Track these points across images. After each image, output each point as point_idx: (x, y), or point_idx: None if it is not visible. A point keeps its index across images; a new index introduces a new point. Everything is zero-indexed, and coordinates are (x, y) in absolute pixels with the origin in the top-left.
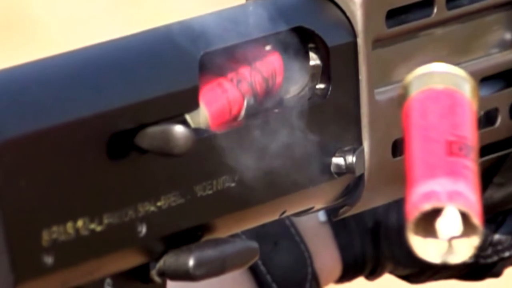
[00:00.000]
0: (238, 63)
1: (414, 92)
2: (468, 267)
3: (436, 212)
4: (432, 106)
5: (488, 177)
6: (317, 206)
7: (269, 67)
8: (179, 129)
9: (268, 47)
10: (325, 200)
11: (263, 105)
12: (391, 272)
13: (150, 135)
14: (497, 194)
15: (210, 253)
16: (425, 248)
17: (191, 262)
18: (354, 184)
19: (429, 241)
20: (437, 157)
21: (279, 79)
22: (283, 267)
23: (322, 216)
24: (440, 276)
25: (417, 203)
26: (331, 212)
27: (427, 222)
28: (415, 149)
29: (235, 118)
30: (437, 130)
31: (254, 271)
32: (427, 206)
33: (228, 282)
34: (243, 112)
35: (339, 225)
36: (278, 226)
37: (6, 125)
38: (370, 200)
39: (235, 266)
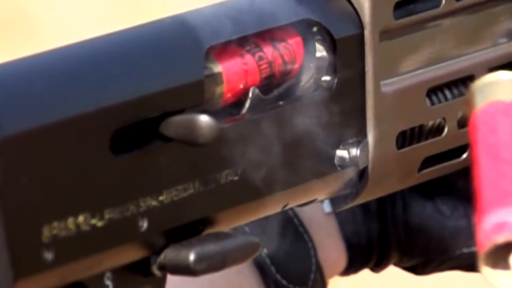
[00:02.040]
0: (263, 40)
1: (482, 103)
2: (474, 256)
3: (508, 243)
4: (503, 122)
5: None
6: (320, 198)
7: (290, 51)
8: (204, 118)
9: (292, 31)
10: (328, 192)
11: (278, 89)
12: (397, 264)
13: (176, 123)
14: None
15: (211, 248)
16: (497, 278)
17: (191, 257)
18: (358, 175)
19: (501, 271)
20: (510, 182)
21: (297, 65)
22: (287, 258)
23: (327, 207)
24: (446, 267)
25: (489, 233)
26: (333, 203)
27: (499, 251)
28: (485, 168)
29: (247, 92)
30: (508, 149)
31: (258, 262)
32: (500, 239)
33: (232, 274)
34: (248, 103)
35: (344, 215)
36: (281, 217)
37: (8, 121)
38: (374, 191)
39: (236, 261)
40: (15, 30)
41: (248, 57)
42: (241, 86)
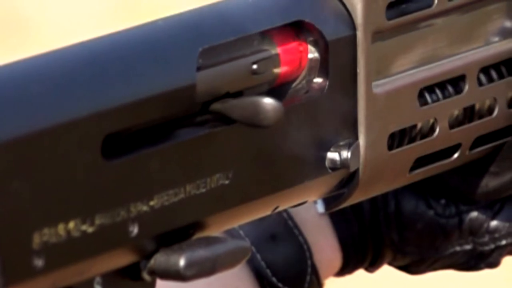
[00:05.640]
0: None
1: None
2: (466, 255)
3: None
4: None
5: (484, 166)
6: (310, 200)
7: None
8: (268, 101)
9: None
10: (318, 195)
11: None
12: (391, 263)
13: (241, 106)
14: (492, 182)
15: (201, 253)
16: None
17: (182, 262)
18: (348, 177)
19: None
20: None
21: None
22: (283, 260)
23: (320, 207)
24: (439, 266)
25: None
26: (326, 203)
27: None
28: None
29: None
30: None
31: (253, 265)
32: None
33: (228, 277)
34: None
35: (337, 215)
36: (275, 219)
37: (1, 127)
38: (365, 192)
39: (226, 266)
40: (10, 31)
41: (301, 39)
42: (295, 66)
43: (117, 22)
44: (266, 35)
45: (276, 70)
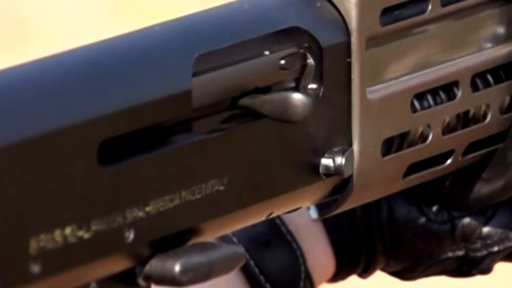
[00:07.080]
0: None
1: None
2: (459, 261)
3: None
4: None
5: (477, 172)
6: (304, 206)
7: None
8: (298, 96)
9: None
10: (312, 200)
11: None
12: (384, 269)
13: (270, 101)
14: (484, 189)
15: (196, 258)
16: None
17: (177, 268)
18: (342, 183)
19: None
20: None
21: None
22: (276, 267)
23: (314, 213)
24: (432, 272)
25: None
26: (319, 209)
27: None
28: None
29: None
30: None
31: (247, 272)
32: None
33: (221, 284)
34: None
35: (330, 221)
36: (268, 225)
37: None
38: (359, 198)
39: (221, 272)
40: (10, 31)
41: None
42: None
43: (117, 22)
44: (291, 32)
45: (303, 66)
